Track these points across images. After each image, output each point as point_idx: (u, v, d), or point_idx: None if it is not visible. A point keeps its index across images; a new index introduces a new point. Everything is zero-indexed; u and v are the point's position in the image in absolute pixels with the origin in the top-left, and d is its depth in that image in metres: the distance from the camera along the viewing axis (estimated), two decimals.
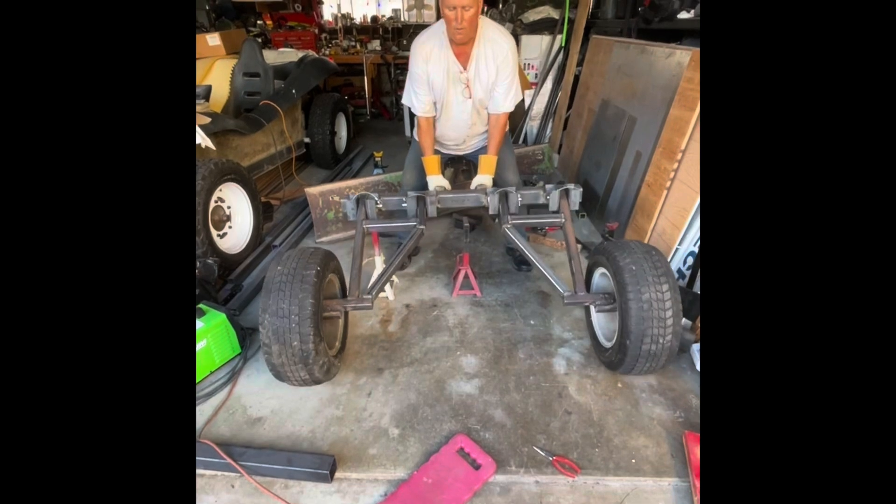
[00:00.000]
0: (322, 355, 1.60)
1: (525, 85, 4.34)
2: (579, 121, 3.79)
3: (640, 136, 2.67)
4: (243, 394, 1.82)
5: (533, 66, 4.39)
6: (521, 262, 2.68)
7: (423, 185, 2.52)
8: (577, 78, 4.03)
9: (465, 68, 2.09)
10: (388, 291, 2.40)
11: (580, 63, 4.04)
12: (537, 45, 4.34)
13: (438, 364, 1.96)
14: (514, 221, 2.04)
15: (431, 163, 2.26)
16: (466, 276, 2.40)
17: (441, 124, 2.28)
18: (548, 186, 2.10)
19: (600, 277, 1.92)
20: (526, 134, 4.58)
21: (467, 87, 2.13)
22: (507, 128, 2.28)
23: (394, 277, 2.51)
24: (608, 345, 1.83)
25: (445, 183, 2.27)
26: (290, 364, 1.56)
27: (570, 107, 4.17)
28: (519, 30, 4.47)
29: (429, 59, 2.07)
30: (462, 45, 2.04)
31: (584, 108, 3.72)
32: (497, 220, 2.16)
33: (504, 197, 2.08)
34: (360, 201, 2.10)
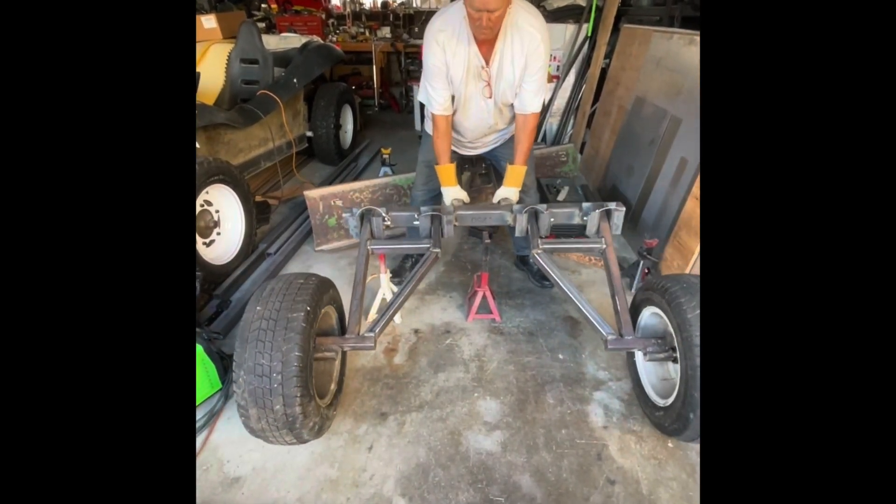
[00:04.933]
0: (312, 416, 1.31)
1: (546, 78, 4.00)
2: (607, 119, 3.45)
3: (686, 141, 2.34)
4: (221, 443, 1.53)
5: (556, 58, 4.04)
6: (543, 278, 2.38)
7: (437, 186, 2.23)
8: (603, 71, 3.69)
9: (487, 64, 1.76)
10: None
11: (608, 55, 3.70)
12: (561, 35, 3.98)
13: (453, 409, 1.66)
14: (545, 247, 1.70)
15: (447, 172, 1.95)
16: (484, 298, 2.10)
17: (458, 116, 1.95)
18: (584, 205, 1.76)
19: (651, 318, 1.59)
20: (545, 132, 4.24)
21: (488, 85, 1.81)
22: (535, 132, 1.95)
23: None
24: (663, 403, 1.49)
25: (463, 195, 1.97)
26: (272, 430, 1.27)
27: (594, 102, 3.83)
28: None
29: (446, 48, 1.73)
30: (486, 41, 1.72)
31: (612, 106, 3.38)
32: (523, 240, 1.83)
33: (534, 216, 1.75)
34: (364, 218, 1.77)
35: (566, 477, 1.42)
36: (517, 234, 1.79)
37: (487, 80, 1.79)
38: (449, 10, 1.74)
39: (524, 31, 1.69)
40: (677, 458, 1.49)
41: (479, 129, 2.01)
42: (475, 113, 1.92)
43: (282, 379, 1.22)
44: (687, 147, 2.32)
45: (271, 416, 1.24)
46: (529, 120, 1.87)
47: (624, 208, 1.75)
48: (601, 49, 3.71)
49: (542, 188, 2.86)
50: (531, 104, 1.83)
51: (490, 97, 1.85)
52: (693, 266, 2.13)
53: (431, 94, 1.84)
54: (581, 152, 3.78)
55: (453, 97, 1.87)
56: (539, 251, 1.68)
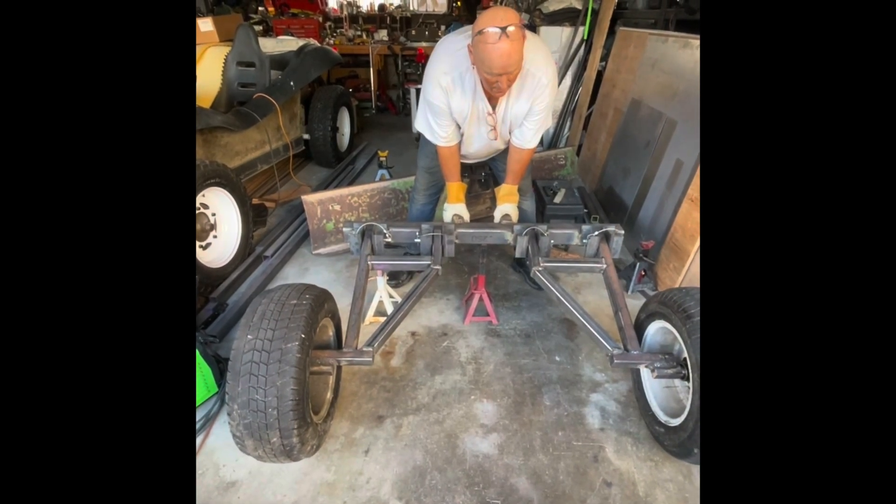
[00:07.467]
0: (309, 441, 1.30)
1: (549, 119, 4.02)
2: (603, 121, 3.46)
3: (682, 143, 2.35)
4: (217, 447, 1.53)
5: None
6: None
7: (438, 190, 2.23)
8: (599, 74, 3.71)
9: (493, 110, 1.74)
10: None
11: (604, 58, 3.71)
12: (557, 38, 4.00)
13: (449, 412, 1.66)
14: (546, 264, 1.69)
15: (456, 191, 1.97)
16: (481, 301, 2.10)
17: (462, 144, 1.96)
18: (584, 228, 1.76)
19: (658, 333, 1.55)
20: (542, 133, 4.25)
21: (493, 129, 1.81)
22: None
23: (398, 298, 2.21)
24: (674, 423, 1.42)
25: (464, 212, 1.97)
26: (269, 457, 1.27)
27: (590, 105, 3.84)
28: (538, 20, 4.12)
29: (449, 93, 1.69)
30: None
31: (608, 108, 3.40)
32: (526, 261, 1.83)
33: (534, 238, 1.76)
34: (365, 234, 1.77)
35: (563, 479, 1.42)
36: (517, 254, 1.81)
37: (493, 125, 1.79)
38: (455, 54, 1.65)
39: (531, 74, 1.63)
40: (674, 459, 1.49)
41: (481, 153, 2.05)
42: (479, 147, 1.94)
43: (277, 414, 1.18)
44: (682, 149, 2.34)
45: (268, 446, 1.22)
46: (525, 155, 1.87)
47: (623, 232, 1.75)
48: (597, 52, 3.73)
49: (539, 190, 2.86)
50: (529, 141, 1.82)
51: (496, 139, 1.86)
52: (689, 268, 2.14)
53: (436, 129, 1.82)
54: (577, 154, 3.79)
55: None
56: (540, 269, 1.67)
